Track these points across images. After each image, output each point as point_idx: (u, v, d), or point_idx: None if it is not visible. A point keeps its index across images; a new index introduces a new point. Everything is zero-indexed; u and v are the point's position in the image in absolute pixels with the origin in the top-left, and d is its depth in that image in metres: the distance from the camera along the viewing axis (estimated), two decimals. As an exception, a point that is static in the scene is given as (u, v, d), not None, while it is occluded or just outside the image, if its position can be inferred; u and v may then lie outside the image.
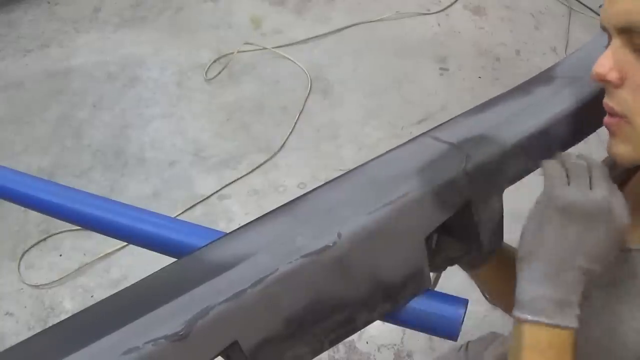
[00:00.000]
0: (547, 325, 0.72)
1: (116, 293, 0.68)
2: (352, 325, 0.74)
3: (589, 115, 0.85)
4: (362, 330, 0.77)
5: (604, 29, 0.77)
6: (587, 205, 0.71)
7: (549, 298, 0.72)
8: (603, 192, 0.72)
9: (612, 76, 0.74)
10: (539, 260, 0.73)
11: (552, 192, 0.73)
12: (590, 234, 0.72)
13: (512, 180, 0.82)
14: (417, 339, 2.16)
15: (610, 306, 0.79)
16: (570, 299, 0.72)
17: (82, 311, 0.67)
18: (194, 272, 0.67)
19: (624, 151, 0.76)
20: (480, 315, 2.12)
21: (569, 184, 0.73)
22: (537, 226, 0.74)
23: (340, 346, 2.16)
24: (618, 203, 0.73)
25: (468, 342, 1.43)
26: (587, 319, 0.79)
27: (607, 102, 0.77)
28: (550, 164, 0.75)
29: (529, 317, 0.72)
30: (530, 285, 0.73)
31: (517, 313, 0.74)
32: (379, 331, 2.19)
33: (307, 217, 0.72)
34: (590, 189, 0.72)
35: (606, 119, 0.78)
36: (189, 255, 0.72)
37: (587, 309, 0.80)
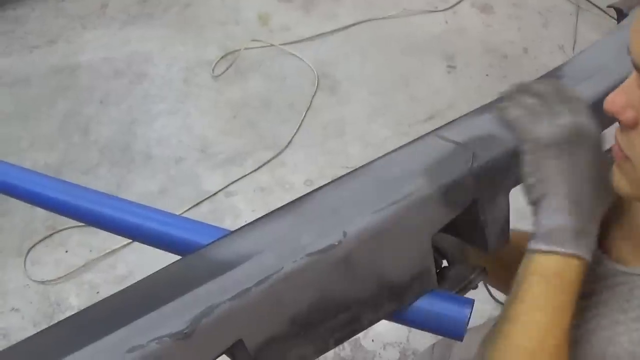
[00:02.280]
0: (559, 254, 0.72)
1: (121, 291, 0.68)
2: (357, 324, 0.74)
3: (596, 115, 0.85)
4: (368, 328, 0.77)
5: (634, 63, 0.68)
6: (564, 132, 0.74)
7: (567, 228, 0.72)
8: (567, 117, 0.75)
9: (628, 116, 0.67)
10: (551, 196, 0.74)
11: (527, 132, 0.76)
12: (581, 159, 0.74)
13: (519, 180, 0.82)
14: (422, 338, 2.16)
15: (603, 327, 0.78)
16: (588, 228, 0.74)
17: (86, 308, 0.67)
18: (199, 271, 0.67)
19: (622, 184, 0.73)
20: (486, 313, 2.11)
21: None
22: (535, 168, 0.75)
23: (346, 344, 2.16)
24: (584, 121, 0.76)
25: (434, 344, 1.42)
26: (578, 340, 0.78)
27: (617, 137, 0.72)
28: (512, 109, 0.79)
29: (543, 247, 0.73)
30: (548, 219, 0.74)
31: (530, 245, 0.74)
32: (384, 329, 2.18)
33: (313, 215, 0.71)
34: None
35: (615, 147, 0.74)
36: (193, 253, 0.71)
37: (578, 330, 0.79)
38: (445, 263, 0.98)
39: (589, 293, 0.83)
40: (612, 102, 0.68)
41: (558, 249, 0.72)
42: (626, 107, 0.67)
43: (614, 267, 0.81)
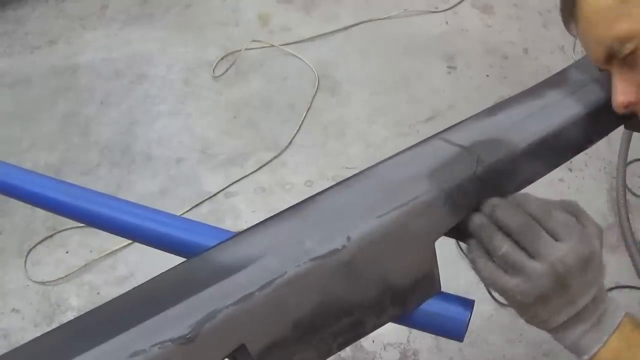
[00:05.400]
0: (618, 327, 0.74)
1: (123, 294, 0.68)
2: (361, 329, 0.74)
3: (600, 119, 0.84)
4: (369, 329, 0.77)
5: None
6: (536, 288, 0.71)
7: (602, 311, 0.74)
8: (544, 260, 0.71)
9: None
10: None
11: (500, 287, 0.73)
12: (565, 294, 0.72)
13: (523, 184, 0.81)
14: (423, 338, 2.15)
15: None
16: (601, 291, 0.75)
17: (88, 312, 0.67)
18: (202, 274, 0.67)
19: None
20: (486, 314, 2.11)
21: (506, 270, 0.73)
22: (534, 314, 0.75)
23: (346, 345, 2.16)
24: (565, 248, 0.72)
25: None
26: None
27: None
28: (481, 264, 0.75)
29: (604, 337, 0.73)
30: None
31: (596, 345, 0.74)
32: (385, 330, 2.15)
33: (316, 219, 0.71)
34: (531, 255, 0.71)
35: None
36: (196, 257, 0.71)
37: None
38: None
39: None
40: (620, 100, 0.78)
41: (613, 327, 0.74)
42: (629, 92, 0.78)
43: None
